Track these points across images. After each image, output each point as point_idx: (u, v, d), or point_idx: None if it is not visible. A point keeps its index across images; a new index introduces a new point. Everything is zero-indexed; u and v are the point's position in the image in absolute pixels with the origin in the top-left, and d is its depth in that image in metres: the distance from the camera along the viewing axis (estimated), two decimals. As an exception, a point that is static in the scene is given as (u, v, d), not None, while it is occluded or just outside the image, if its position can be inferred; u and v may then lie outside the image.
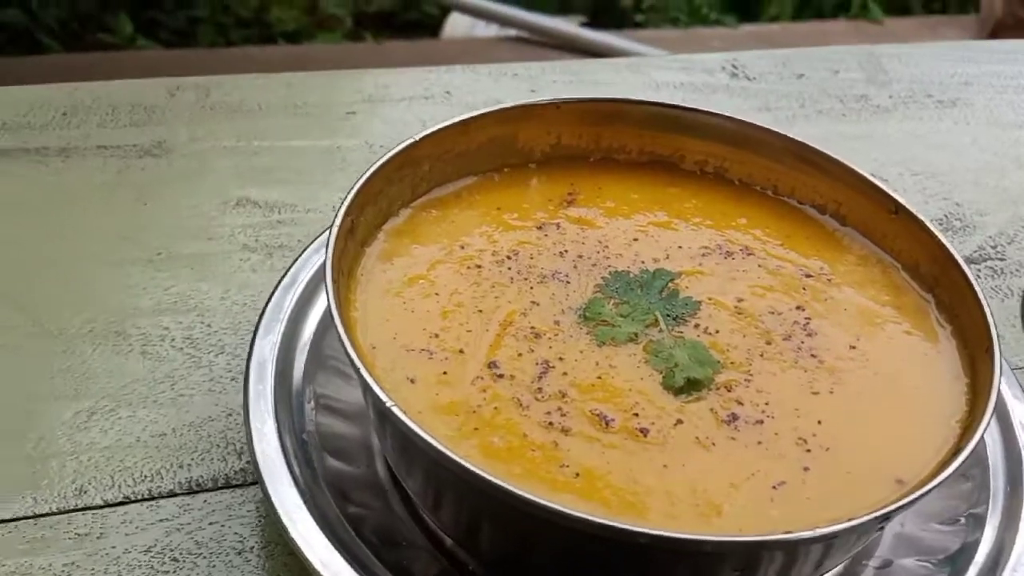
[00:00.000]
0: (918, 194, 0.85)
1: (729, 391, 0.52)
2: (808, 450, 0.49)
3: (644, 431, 0.49)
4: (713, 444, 0.49)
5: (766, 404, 0.51)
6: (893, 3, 3.58)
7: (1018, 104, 0.99)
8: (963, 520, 0.56)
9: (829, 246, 0.62)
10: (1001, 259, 0.79)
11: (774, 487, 0.47)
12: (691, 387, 0.52)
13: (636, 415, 0.50)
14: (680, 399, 0.51)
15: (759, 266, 0.60)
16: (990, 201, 0.85)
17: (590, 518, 0.41)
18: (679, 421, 0.50)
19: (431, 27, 3.32)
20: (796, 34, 3.23)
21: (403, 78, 0.89)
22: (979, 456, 0.59)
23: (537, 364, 0.52)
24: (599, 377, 0.51)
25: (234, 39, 3.10)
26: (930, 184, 0.86)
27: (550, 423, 0.49)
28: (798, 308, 0.57)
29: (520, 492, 0.41)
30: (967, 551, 0.54)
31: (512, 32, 2.97)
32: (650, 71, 0.95)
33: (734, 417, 0.50)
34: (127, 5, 2.97)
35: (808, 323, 0.56)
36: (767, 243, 0.62)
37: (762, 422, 0.50)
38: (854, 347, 0.55)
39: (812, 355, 0.54)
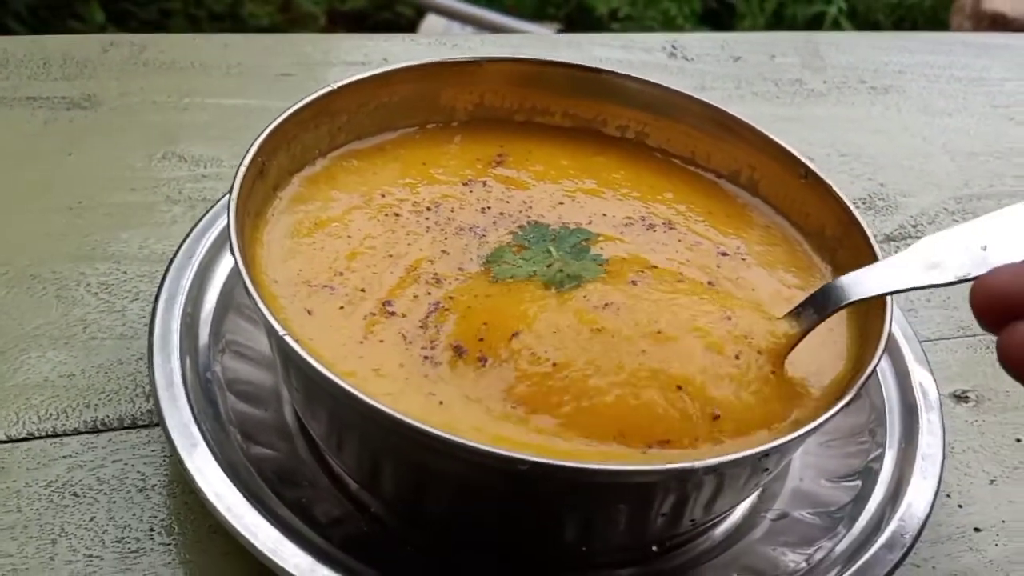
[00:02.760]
0: (844, 174, 0.86)
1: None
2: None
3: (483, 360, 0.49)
4: None
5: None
6: (864, 20, 3.63)
7: (949, 93, 1.01)
8: (858, 476, 0.57)
9: (746, 225, 0.62)
10: (919, 237, 0.80)
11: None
12: (570, 280, 0.52)
13: (481, 340, 0.50)
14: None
15: (678, 240, 0.59)
16: (915, 184, 0.87)
17: (443, 435, 0.41)
18: None
19: (405, 28, 3.32)
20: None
21: (342, 44, 0.90)
22: (878, 414, 0.60)
23: (429, 305, 0.52)
24: (469, 307, 0.52)
25: (207, 32, 3.09)
26: (857, 165, 0.88)
27: (425, 357, 0.49)
28: (709, 283, 0.57)
29: (384, 408, 0.42)
30: (858, 504, 0.55)
31: (487, 35, 2.98)
32: (591, 48, 0.96)
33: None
34: (99, -6, 2.95)
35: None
36: (689, 218, 0.62)
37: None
38: None
39: None
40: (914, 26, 3.70)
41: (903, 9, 3.70)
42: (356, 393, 0.42)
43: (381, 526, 0.53)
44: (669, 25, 3.35)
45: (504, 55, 0.65)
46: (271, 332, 0.46)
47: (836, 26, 3.45)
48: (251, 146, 0.53)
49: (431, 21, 3.18)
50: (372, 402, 0.42)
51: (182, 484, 0.54)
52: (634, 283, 0.52)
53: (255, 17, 3.25)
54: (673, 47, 0.98)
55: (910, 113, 0.96)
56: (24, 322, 0.62)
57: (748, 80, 0.96)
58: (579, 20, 3.38)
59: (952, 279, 0.45)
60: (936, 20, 3.69)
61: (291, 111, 0.57)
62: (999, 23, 3.30)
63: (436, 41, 0.92)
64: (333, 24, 3.29)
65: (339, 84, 0.59)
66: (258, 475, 0.53)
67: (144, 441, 0.56)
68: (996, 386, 0.69)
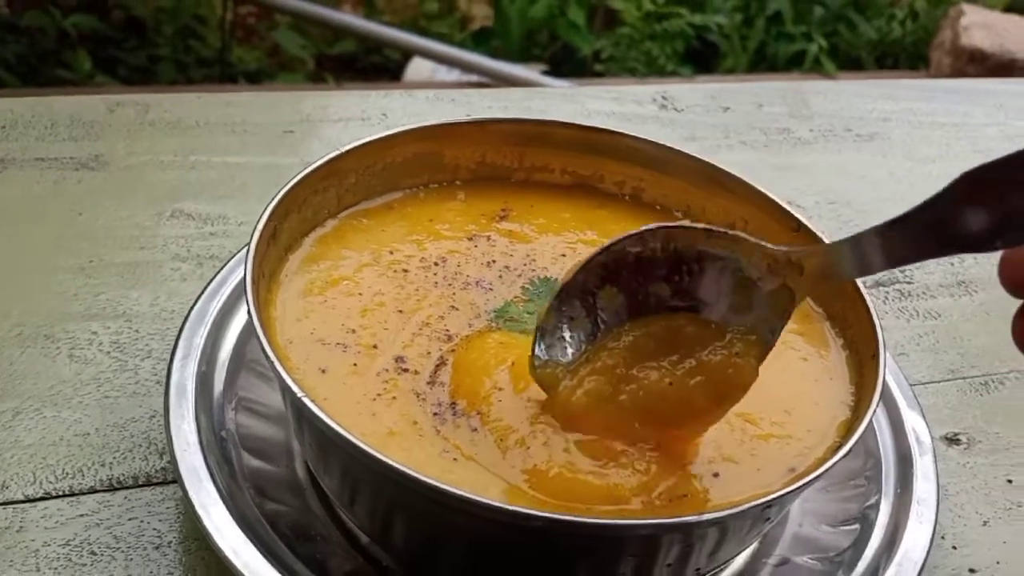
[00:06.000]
0: (833, 220, 0.88)
1: None
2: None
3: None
4: None
5: None
6: (846, 58, 3.69)
7: (933, 139, 1.04)
8: (855, 521, 0.59)
9: None
10: (909, 282, 0.83)
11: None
12: None
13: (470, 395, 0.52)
14: None
15: None
16: (902, 229, 0.89)
17: (465, 495, 0.43)
18: None
19: (393, 71, 3.36)
20: (749, 85, 3.30)
21: (342, 100, 0.92)
22: (874, 460, 0.62)
23: (436, 360, 0.54)
24: (460, 363, 0.54)
25: (195, 77, 3.12)
26: (845, 212, 0.90)
27: (435, 413, 0.51)
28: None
29: (407, 470, 0.43)
30: (857, 549, 0.57)
31: (473, 78, 3.01)
32: (583, 100, 0.99)
33: None
34: (87, 42, 2.98)
35: None
36: None
37: None
38: None
39: None
40: (896, 63, 3.77)
41: (885, 46, 3.77)
42: (374, 453, 0.43)
43: (393, 579, 0.55)
44: (652, 66, 3.40)
45: (504, 116, 0.67)
46: (288, 393, 0.48)
47: (817, 63, 3.51)
48: (264, 211, 0.55)
49: (417, 64, 3.22)
50: (391, 462, 0.43)
51: (197, 540, 0.55)
52: None
53: (243, 62, 3.28)
54: (663, 98, 1.01)
55: (895, 159, 0.99)
56: (39, 382, 0.63)
57: (737, 130, 0.99)
58: (564, 60, 3.43)
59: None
60: (917, 56, 3.76)
61: (301, 175, 0.58)
62: (977, 58, 3.37)
63: (434, 96, 0.95)
64: (321, 68, 3.32)
65: (346, 148, 0.61)
66: (273, 530, 0.54)
67: (159, 498, 0.58)
68: (987, 428, 0.70)
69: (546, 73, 3.15)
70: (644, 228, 0.50)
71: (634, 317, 0.51)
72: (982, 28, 3.47)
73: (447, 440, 0.50)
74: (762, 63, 3.64)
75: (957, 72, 3.43)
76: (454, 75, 3.12)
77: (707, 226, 0.51)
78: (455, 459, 0.49)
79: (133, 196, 0.78)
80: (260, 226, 0.54)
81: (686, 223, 0.52)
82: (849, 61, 3.72)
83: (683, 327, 0.51)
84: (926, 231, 0.40)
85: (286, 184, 0.57)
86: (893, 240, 0.43)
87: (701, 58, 3.59)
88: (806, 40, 3.58)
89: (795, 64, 3.60)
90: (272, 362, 0.47)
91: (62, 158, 0.80)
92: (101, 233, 0.74)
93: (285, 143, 0.86)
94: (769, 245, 0.49)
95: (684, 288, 0.51)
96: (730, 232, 0.50)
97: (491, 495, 0.47)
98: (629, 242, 0.51)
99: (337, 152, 0.61)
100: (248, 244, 0.53)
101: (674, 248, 0.51)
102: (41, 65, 2.91)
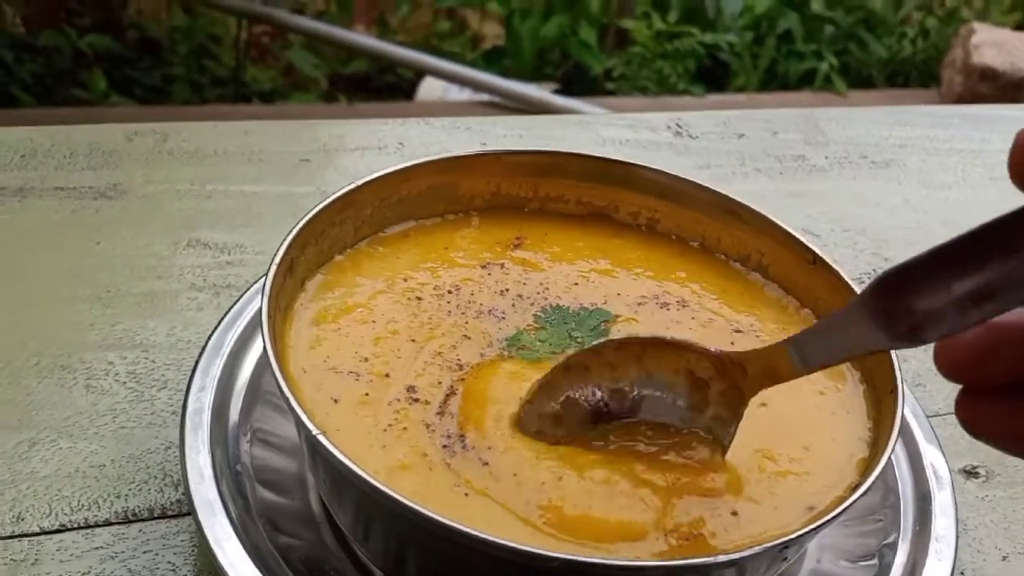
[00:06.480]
0: (848, 249, 0.88)
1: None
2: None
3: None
4: None
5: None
6: (856, 77, 3.69)
7: (949, 166, 1.03)
8: (875, 557, 0.58)
9: (760, 303, 0.64)
10: (926, 312, 0.82)
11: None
12: None
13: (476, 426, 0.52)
14: None
15: (692, 318, 0.62)
16: (918, 258, 0.89)
17: (477, 534, 0.43)
18: None
19: (405, 90, 3.38)
20: (761, 104, 3.31)
21: (358, 129, 0.92)
22: (892, 494, 0.61)
23: (445, 390, 0.54)
24: (468, 394, 0.54)
25: (209, 97, 3.14)
26: (860, 240, 0.90)
27: (444, 446, 0.51)
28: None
29: (419, 508, 0.43)
30: (876, 586, 0.56)
31: (484, 97, 3.03)
32: (598, 128, 0.99)
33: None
34: (102, 62, 3.01)
35: None
36: (703, 296, 0.64)
37: None
38: (764, 404, 0.56)
39: None
40: (906, 81, 3.76)
41: (895, 64, 3.77)
42: (387, 490, 0.43)
43: (407, 614, 0.54)
44: (663, 84, 3.41)
45: (519, 147, 0.67)
46: (303, 428, 0.48)
47: (828, 82, 3.52)
48: (280, 245, 0.55)
49: (429, 84, 3.24)
50: (402, 500, 0.43)
51: (212, 574, 0.55)
52: None
53: (257, 82, 3.31)
54: (678, 125, 1.01)
55: (911, 186, 0.99)
56: (55, 412, 0.63)
57: (752, 157, 0.99)
58: (575, 79, 3.44)
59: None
60: (928, 74, 3.76)
61: (317, 209, 0.59)
62: (988, 77, 3.37)
63: (450, 124, 0.95)
64: (335, 88, 3.34)
65: (363, 181, 0.61)
66: (286, 565, 0.54)
67: (174, 531, 0.58)
68: (1005, 460, 0.70)
69: (557, 92, 3.16)
70: (596, 343, 0.54)
71: (597, 423, 0.53)
72: (993, 46, 3.48)
73: (458, 475, 0.49)
74: (773, 82, 3.64)
75: (968, 90, 3.43)
76: (465, 94, 3.14)
77: (653, 336, 0.54)
78: (466, 494, 0.48)
79: (151, 225, 0.78)
80: (277, 260, 0.54)
81: (640, 335, 0.55)
82: (860, 79, 3.72)
83: (643, 432, 0.53)
84: (856, 332, 0.41)
85: (303, 218, 0.57)
86: (828, 340, 0.44)
87: (712, 77, 3.60)
88: (817, 59, 3.58)
89: (806, 82, 3.60)
90: (287, 398, 0.47)
91: (81, 187, 0.81)
92: (119, 262, 0.75)
93: (301, 172, 0.86)
94: (713, 349, 0.51)
95: (644, 389, 0.53)
96: (675, 340, 0.53)
97: (503, 532, 0.47)
98: (585, 356, 0.53)
99: (353, 185, 0.61)
100: (264, 278, 0.53)
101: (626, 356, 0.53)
102: (57, 85, 2.95)
